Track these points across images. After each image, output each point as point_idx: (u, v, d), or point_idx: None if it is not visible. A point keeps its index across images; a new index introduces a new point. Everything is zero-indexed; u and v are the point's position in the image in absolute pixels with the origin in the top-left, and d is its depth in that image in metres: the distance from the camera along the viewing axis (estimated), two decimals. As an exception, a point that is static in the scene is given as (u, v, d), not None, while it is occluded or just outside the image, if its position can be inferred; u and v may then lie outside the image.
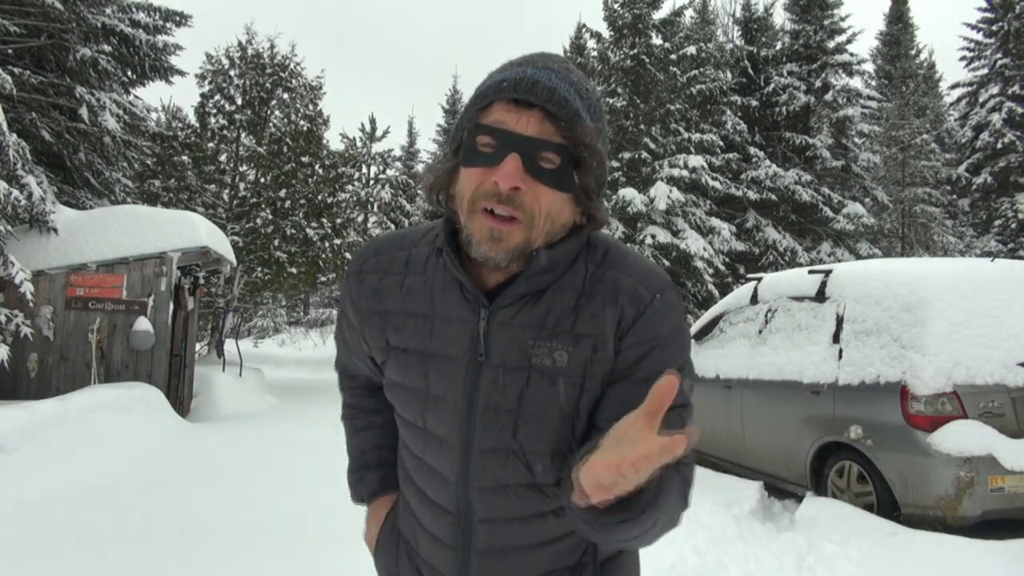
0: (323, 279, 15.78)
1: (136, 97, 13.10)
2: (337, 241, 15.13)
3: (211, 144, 15.37)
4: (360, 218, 24.67)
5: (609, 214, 19.39)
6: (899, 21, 33.54)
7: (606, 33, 21.06)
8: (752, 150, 22.07)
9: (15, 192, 7.63)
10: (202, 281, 10.67)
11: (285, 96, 15.85)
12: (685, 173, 19.08)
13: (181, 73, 13.39)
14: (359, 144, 26.19)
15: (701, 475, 5.83)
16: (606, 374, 0.95)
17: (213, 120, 15.40)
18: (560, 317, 0.94)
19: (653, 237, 18.65)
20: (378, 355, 1.07)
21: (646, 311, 0.94)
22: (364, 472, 1.26)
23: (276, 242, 14.13)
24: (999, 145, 24.28)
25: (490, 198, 0.89)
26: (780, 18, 28.03)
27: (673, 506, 0.88)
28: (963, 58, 27.84)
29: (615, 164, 19.83)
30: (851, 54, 22.96)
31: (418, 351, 1.00)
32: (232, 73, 15.40)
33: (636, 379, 0.94)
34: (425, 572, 1.08)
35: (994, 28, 26.25)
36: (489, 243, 0.90)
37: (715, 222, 20.46)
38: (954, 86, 28.96)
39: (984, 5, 26.60)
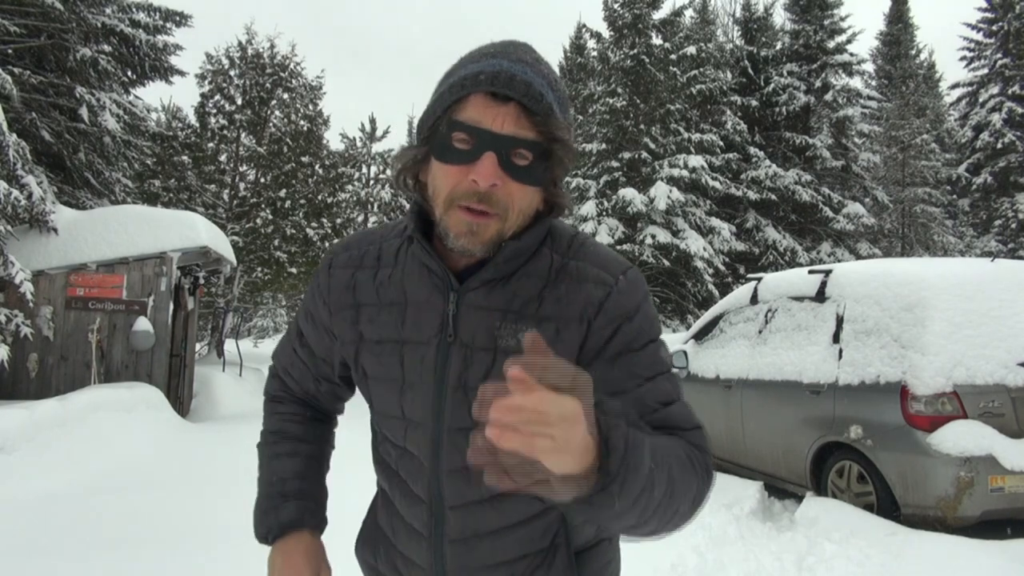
0: (323, 279, 15.79)
1: (136, 97, 13.11)
2: (337, 241, 15.15)
3: (211, 144, 15.38)
4: (360, 218, 24.64)
5: (609, 214, 19.39)
6: (899, 21, 33.52)
7: (606, 33, 21.04)
8: (752, 150, 22.03)
9: (15, 192, 7.63)
10: (202, 281, 10.66)
11: (285, 96, 15.86)
12: (685, 173, 19.05)
13: (181, 73, 13.40)
14: (359, 144, 26.16)
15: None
16: (571, 357, 0.96)
17: (213, 120, 15.41)
18: (526, 302, 0.98)
19: (653, 237, 18.63)
20: (347, 348, 1.09)
21: (611, 292, 0.98)
22: (282, 500, 1.15)
23: (276, 242, 14.16)
24: (999, 145, 24.27)
25: (469, 197, 0.92)
26: (780, 18, 27.93)
27: (681, 476, 0.85)
28: (963, 58, 27.83)
29: (615, 164, 19.82)
30: (851, 54, 22.91)
31: (393, 340, 1.03)
32: (232, 73, 15.40)
33: (607, 356, 0.96)
34: (400, 563, 1.11)
35: (994, 28, 26.24)
36: (467, 236, 0.93)
37: (715, 222, 20.42)
38: (954, 86, 28.95)
39: (984, 5, 26.59)
